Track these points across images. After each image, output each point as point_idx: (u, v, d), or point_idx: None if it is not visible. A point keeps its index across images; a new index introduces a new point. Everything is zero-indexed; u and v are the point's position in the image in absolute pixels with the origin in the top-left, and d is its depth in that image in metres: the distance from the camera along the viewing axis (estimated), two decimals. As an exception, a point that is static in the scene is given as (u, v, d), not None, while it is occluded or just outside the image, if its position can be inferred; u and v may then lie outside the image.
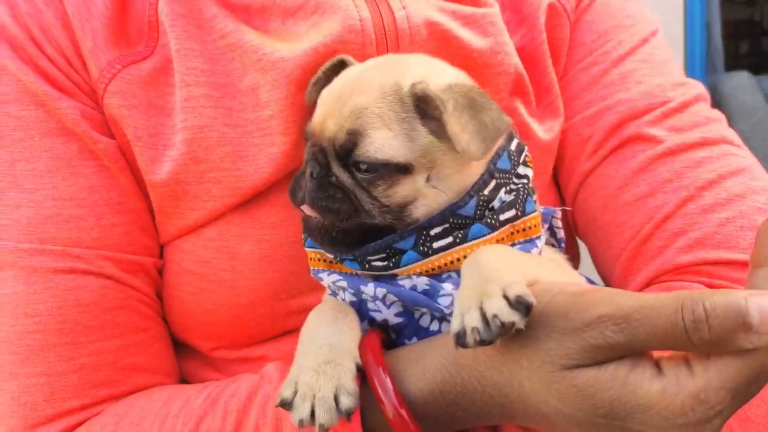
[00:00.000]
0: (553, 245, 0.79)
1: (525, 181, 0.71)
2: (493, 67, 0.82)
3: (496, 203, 0.68)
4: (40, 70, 0.78)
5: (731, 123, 0.88)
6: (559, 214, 0.78)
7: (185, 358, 0.87)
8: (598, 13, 0.91)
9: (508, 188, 0.69)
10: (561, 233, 0.78)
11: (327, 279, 0.72)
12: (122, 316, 0.78)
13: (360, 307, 0.70)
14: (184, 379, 0.87)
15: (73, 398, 0.75)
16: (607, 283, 0.87)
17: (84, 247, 0.77)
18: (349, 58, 0.74)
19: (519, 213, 0.69)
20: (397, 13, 0.79)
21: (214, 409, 0.70)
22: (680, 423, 0.48)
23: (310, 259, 0.74)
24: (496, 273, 0.57)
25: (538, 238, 0.70)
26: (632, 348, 0.50)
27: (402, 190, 0.66)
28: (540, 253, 0.70)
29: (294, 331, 0.80)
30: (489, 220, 0.67)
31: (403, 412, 0.61)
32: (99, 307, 0.77)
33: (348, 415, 0.60)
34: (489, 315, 0.52)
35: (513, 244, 0.68)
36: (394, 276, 0.68)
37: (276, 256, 0.79)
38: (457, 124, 0.62)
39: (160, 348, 0.83)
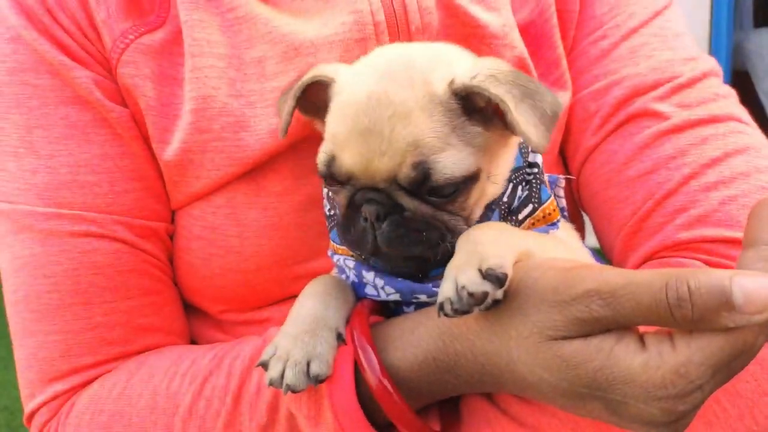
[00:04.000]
0: None
1: (536, 170, 0.72)
2: (502, 39, 0.82)
3: (515, 203, 0.69)
4: (55, 40, 0.79)
5: (755, 81, 0.87)
6: (562, 183, 0.79)
7: (195, 320, 0.90)
8: None
9: (523, 184, 0.70)
10: (563, 202, 0.79)
11: (342, 261, 0.74)
12: (135, 279, 0.81)
13: (359, 289, 0.72)
14: (193, 340, 0.91)
15: (88, 355, 0.79)
16: (609, 256, 0.87)
17: (98, 212, 0.79)
18: (324, 75, 0.69)
19: (536, 205, 0.70)
20: None
21: (218, 370, 0.73)
22: (660, 396, 0.50)
23: (335, 247, 0.75)
24: (481, 247, 0.59)
25: (558, 221, 0.72)
26: (617, 322, 0.51)
27: (474, 194, 0.66)
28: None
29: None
30: (510, 224, 0.69)
31: (386, 382, 0.64)
32: (113, 270, 0.80)
33: (316, 380, 0.64)
34: (459, 286, 0.55)
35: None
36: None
37: (281, 223, 0.81)
38: (523, 121, 0.60)
39: (171, 310, 0.86)
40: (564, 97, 0.88)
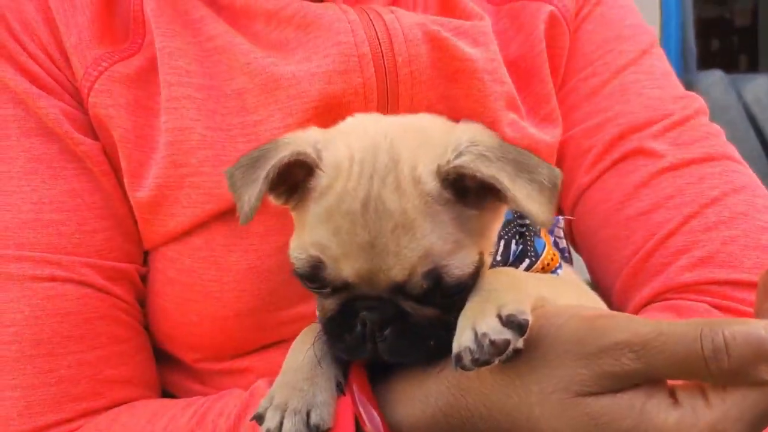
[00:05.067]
0: None
1: (528, 221, 0.68)
2: (492, 73, 0.80)
3: (510, 260, 0.66)
4: (20, 67, 0.74)
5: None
6: (562, 224, 0.77)
7: (168, 369, 0.84)
8: (597, 22, 0.90)
9: (516, 237, 0.67)
10: (563, 243, 0.77)
11: None
12: (103, 326, 0.75)
13: None
14: (165, 390, 0.84)
15: (50, 412, 0.72)
16: (606, 295, 0.85)
17: (64, 254, 0.73)
18: (306, 155, 0.60)
19: (533, 259, 0.68)
20: (386, 16, 0.77)
21: (200, 429, 0.67)
22: None
23: None
24: (495, 294, 0.56)
25: (559, 267, 0.69)
26: (649, 376, 0.49)
27: (478, 279, 0.61)
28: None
29: (282, 342, 0.78)
30: None
31: None
32: (79, 317, 0.74)
33: (317, 430, 0.59)
34: (479, 334, 0.52)
35: None
36: None
37: (264, 266, 0.76)
38: (523, 198, 0.54)
39: (141, 359, 0.80)
40: (554, 133, 0.86)
